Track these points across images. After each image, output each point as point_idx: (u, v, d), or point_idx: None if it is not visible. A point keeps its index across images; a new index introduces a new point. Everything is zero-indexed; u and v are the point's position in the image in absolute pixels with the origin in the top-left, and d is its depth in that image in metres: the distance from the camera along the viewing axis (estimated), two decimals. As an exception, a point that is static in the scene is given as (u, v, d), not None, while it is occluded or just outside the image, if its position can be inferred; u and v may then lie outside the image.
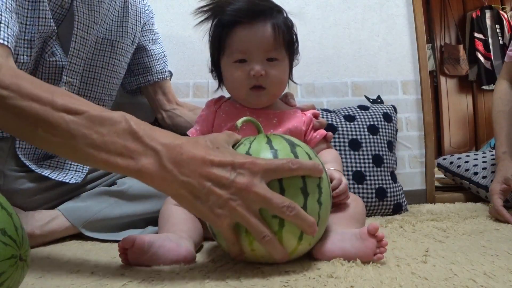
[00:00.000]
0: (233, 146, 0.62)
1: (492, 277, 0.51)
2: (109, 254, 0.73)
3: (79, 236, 0.88)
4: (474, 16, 3.69)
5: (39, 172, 0.88)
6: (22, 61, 0.83)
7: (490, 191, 1.07)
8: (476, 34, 3.66)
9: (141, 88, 1.21)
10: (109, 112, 0.56)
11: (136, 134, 0.53)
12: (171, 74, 1.25)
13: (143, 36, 1.15)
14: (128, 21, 1.06)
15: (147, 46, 1.16)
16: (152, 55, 1.17)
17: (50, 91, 0.56)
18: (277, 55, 0.79)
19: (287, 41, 0.81)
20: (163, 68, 1.19)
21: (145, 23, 1.15)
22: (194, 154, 0.53)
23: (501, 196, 1.03)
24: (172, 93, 1.23)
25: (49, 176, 0.89)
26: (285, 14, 0.83)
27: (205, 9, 0.80)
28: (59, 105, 0.54)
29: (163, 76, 1.19)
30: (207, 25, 0.83)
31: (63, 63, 0.90)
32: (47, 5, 0.83)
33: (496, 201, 1.02)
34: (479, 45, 3.61)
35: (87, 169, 0.95)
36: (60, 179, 0.89)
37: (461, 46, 3.73)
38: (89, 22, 0.92)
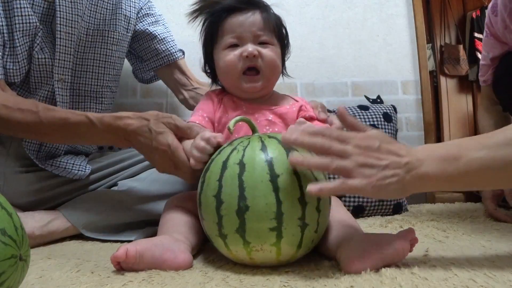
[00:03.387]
0: (228, 153, 0.60)
1: (492, 277, 0.51)
2: (109, 254, 0.72)
3: (79, 236, 0.88)
4: (474, 16, 3.68)
5: (43, 167, 0.89)
6: (9, 67, 0.84)
7: (482, 196, 1.09)
8: (476, 34, 3.64)
9: (156, 73, 1.19)
10: (77, 117, 0.78)
11: (103, 131, 0.78)
12: (183, 53, 1.20)
13: (141, 22, 1.12)
14: (122, 8, 1.03)
15: (149, 30, 1.12)
16: (155, 36, 1.13)
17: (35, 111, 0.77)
18: (269, 40, 0.81)
19: (277, 30, 0.83)
20: (172, 48, 1.16)
21: (141, 8, 1.11)
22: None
23: (493, 200, 1.05)
24: (190, 71, 1.20)
25: (53, 171, 0.90)
26: (272, 11, 0.85)
27: (196, 7, 0.85)
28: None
29: (175, 56, 1.16)
30: (201, 26, 0.86)
31: (52, 60, 0.89)
32: (24, 2, 0.82)
33: (490, 206, 1.04)
34: (479, 45, 3.60)
35: (90, 168, 0.94)
36: (64, 175, 0.91)
37: (461, 46, 3.71)
38: (72, 16, 0.90)
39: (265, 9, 0.83)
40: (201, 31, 0.86)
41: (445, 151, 0.55)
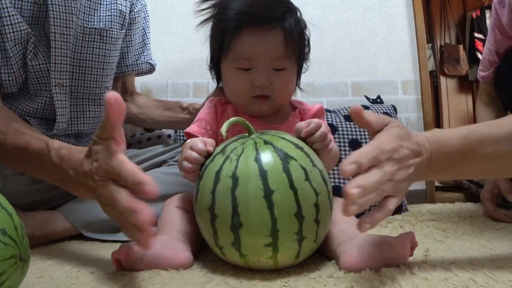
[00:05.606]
0: (221, 162, 0.57)
1: (492, 277, 0.51)
2: (109, 254, 0.72)
3: (79, 236, 0.88)
4: (474, 16, 3.68)
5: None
6: (5, 79, 0.81)
7: (481, 198, 1.10)
8: (476, 34, 3.65)
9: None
10: (38, 143, 0.66)
11: (56, 164, 0.64)
12: (152, 67, 1.15)
13: (130, 23, 1.06)
14: (117, 2, 1.00)
15: (127, 33, 1.06)
16: (130, 41, 1.07)
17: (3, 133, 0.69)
18: (285, 65, 0.74)
19: (297, 49, 0.76)
20: (138, 59, 1.12)
21: (132, 3, 1.05)
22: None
23: (492, 201, 1.05)
24: (132, 83, 1.16)
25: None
26: (298, 14, 0.77)
27: (207, 6, 0.77)
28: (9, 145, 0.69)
29: (138, 68, 1.12)
30: (209, 24, 0.79)
31: (48, 65, 0.85)
32: (12, 10, 0.79)
33: (489, 207, 1.04)
34: (479, 45, 3.61)
35: None
36: None
37: (461, 46, 3.72)
38: (66, 15, 0.85)
39: (288, 22, 0.72)
40: (211, 29, 0.79)
41: (455, 145, 0.56)
